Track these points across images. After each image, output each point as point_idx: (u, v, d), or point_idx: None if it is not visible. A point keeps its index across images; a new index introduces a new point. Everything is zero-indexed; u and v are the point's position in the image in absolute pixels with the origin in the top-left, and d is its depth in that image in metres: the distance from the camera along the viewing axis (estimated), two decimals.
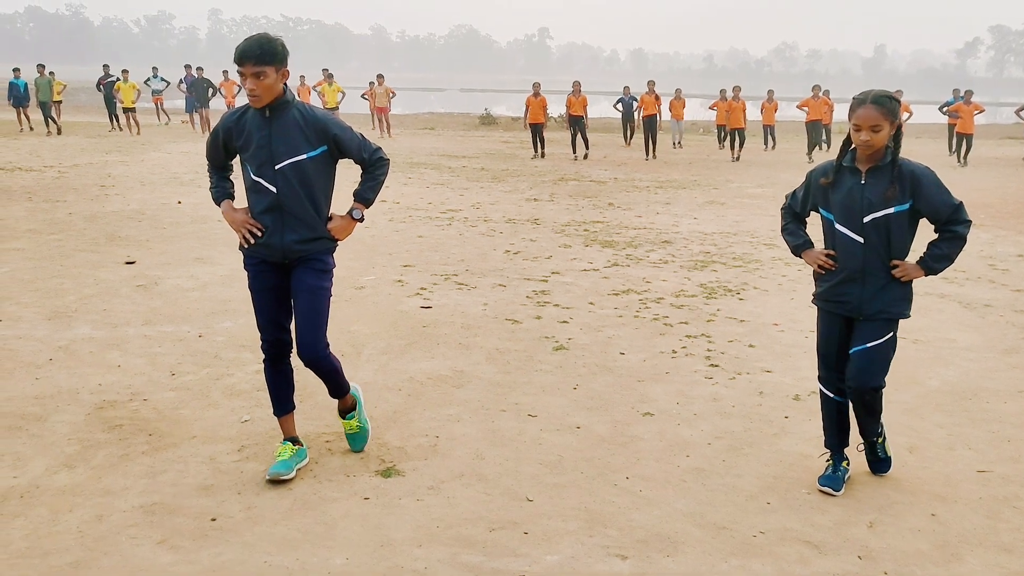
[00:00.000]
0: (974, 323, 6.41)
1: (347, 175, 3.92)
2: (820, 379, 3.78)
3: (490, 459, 3.97)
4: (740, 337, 5.95)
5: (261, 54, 3.33)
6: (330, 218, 3.65)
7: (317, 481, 3.71)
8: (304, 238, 3.55)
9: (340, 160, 3.67)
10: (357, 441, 4.02)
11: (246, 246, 3.60)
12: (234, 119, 3.56)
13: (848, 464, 3.79)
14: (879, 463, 3.85)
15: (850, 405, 3.74)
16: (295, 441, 3.83)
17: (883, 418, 3.78)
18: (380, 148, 3.74)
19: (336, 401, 3.99)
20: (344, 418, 3.99)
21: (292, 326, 3.73)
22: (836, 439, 3.78)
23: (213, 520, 3.37)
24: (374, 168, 3.71)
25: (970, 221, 3.47)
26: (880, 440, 3.80)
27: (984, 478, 3.84)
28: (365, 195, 3.72)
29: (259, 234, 3.55)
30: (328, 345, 3.73)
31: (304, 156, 3.48)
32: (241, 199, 3.63)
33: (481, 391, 4.84)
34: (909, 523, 3.44)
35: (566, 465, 3.92)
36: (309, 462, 3.87)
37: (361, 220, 3.72)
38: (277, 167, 3.46)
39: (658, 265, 8.36)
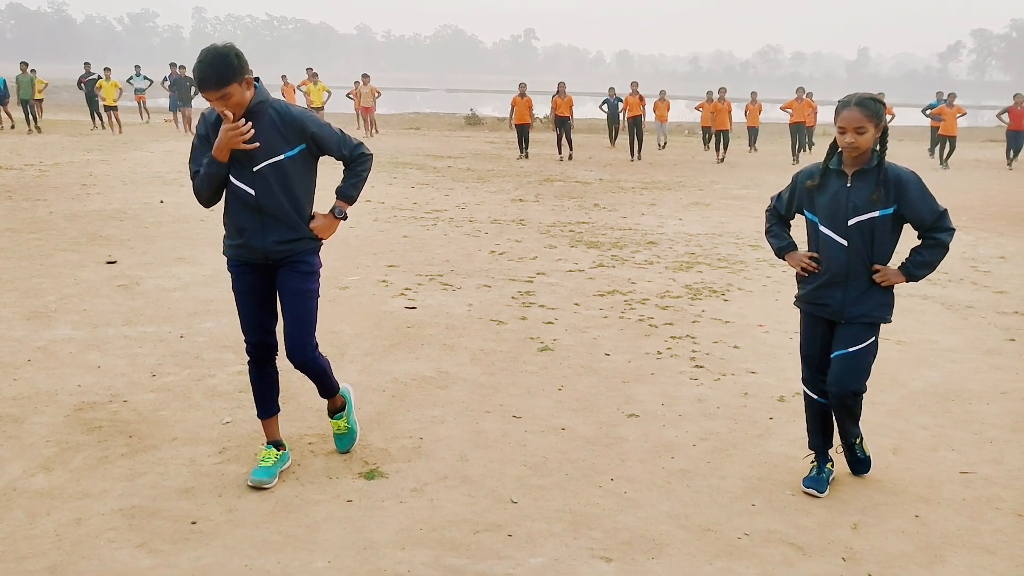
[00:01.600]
0: (956, 325, 6.45)
1: (331, 173, 3.88)
2: (804, 381, 3.78)
3: (474, 461, 3.95)
4: (725, 338, 5.96)
5: (219, 79, 3.21)
6: (312, 217, 3.61)
7: (299, 483, 3.68)
8: (286, 238, 3.50)
9: (322, 158, 3.62)
10: (344, 441, 3.98)
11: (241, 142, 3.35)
12: (213, 119, 3.46)
13: (832, 466, 3.79)
14: (859, 463, 3.85)
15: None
16: (278, 445, 3.79)
17: (865, 419, 3.79)
18: (362, 143, 3.68)
19: (325, 401, 3.96)
20: (332, 418, 3.96)
21: (278, 328, 3.70)
22: (820, 440, 3.79)
23: (193, 523, 3.33)
24: (356, 164, 3.66)
25: (954, 229, 3.47)
26: (858, 441, 3.81)
27: (967, 479, 3.85)
28: (348, 192, 3.67)
29: (249, 143, 3.34)
30: (317, 346, 3.70)
31: (282, 156, 3.42)
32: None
33: (465, 392, 4.82)
34: (893, 524, 3.44)
35: (550, 467, 3.91)
36: (292, 464, 3.83)
37: (344, 218, 3.67)
38: (255, 169, 3.40)
39: (643, 266, 8.36)
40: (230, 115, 3.28)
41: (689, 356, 5.55)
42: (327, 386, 3.86)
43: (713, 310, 6.72)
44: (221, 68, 3.22)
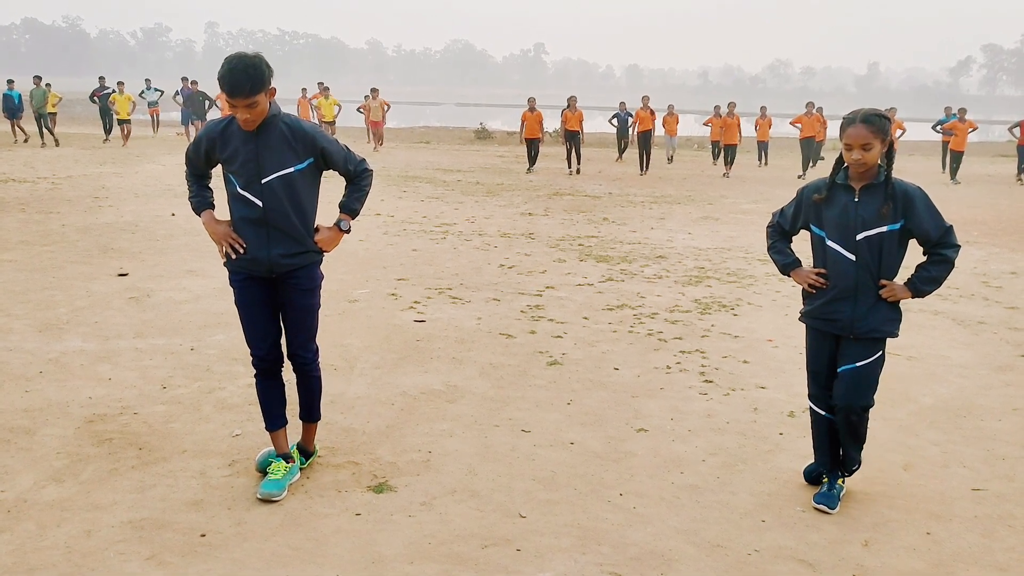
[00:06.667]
0: (968, 340, 6.42)
1: (332, 188, 3.91)
2: (811, 397, 3.77)
3: (483, 475, 3.94)
4: (734, 353, 5.94)
5: (252, 86, 3.28)
6: (316, 230, 3.65)
7: (308, 497, 3.68)
8: (291, 252, 3.54)
9: (324, 173, 3.67)
10: (273, 485, 3.65)
11: (232, 257, 3.56)
12: (219, 130, 3.51)
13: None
14: (825, 496, 3.67)
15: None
16: (287, 458, 3.80)
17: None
18: (365, 160, 3.75)
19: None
20: (300, 454, 3.91)
21: (282, 339, 3.74)
22: (827, 457, 3.76)
23: (202, 536, 3.33)
24: (359, 179, 3.72)
25: (959, 245, 3.47)
26: (845, 476, 3.75)
27: (979, 496, 3.83)
28: (351, 206, 3.72)
29: (241, 250, 3.52)
30: (318, 351, 3.77)
31: (292, 169, 3.47)
32: (222, 210, 3.62)
33: (474, 406, 4.82)
34: (904, 541, 3.42)
35: (559, 481, 3.90)
36: (300, 477, 3.84)
37: (348, 231, 3.73)
38: (264, 180, 3.44)
39: (652, 280, 8.36)
40: (250, 120, 3.36)
41: (698, 371, 5.53)
42: (311, 407, 3.88)
43: (722, 325, 6.71)
44: (256, 76, 3.29)
